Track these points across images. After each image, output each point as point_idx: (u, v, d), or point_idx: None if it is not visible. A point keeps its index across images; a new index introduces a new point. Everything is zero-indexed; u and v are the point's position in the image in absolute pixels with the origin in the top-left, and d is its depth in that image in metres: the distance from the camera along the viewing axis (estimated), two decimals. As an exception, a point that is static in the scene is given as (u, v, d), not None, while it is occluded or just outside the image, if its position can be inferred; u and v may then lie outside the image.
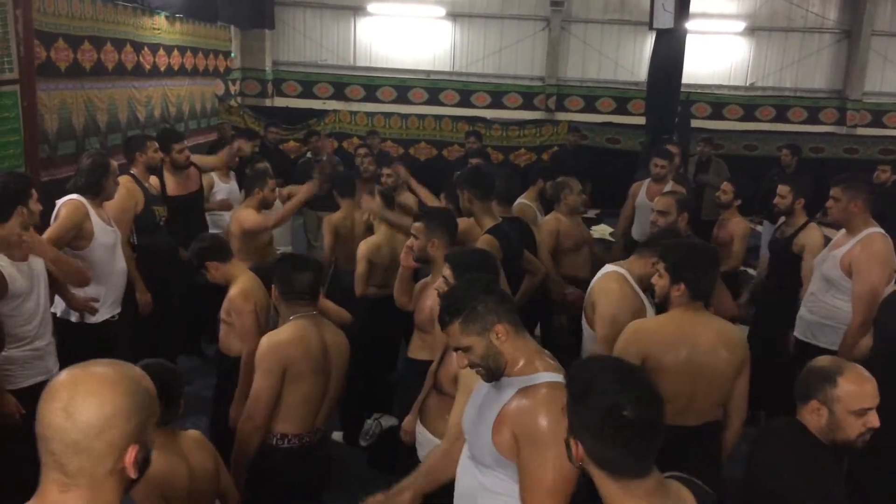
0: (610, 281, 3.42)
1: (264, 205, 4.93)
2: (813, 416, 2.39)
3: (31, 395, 3.31)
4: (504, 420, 2.15)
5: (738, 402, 3.00)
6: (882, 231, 3.95)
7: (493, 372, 2.19)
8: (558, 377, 2.15)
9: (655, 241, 3.50)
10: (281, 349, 2.93)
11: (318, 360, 3.02)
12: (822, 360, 2.49)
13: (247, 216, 4.89)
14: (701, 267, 2.90)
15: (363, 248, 4.62)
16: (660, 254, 3.11)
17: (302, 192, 5.24)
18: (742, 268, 5.69)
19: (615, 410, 1.57)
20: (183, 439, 2.69)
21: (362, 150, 7.03)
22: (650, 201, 5.99)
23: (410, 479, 2.56)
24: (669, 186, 5.98)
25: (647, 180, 6.18)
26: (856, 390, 2.34)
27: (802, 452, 2.39)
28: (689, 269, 2.89)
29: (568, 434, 1.70)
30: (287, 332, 2.99)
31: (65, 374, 1.45)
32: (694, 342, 2.87)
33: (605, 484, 1.65)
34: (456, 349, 2.24)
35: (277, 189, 5.23)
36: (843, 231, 4.09)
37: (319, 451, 3.15)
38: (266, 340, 2.99)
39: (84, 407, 1.39)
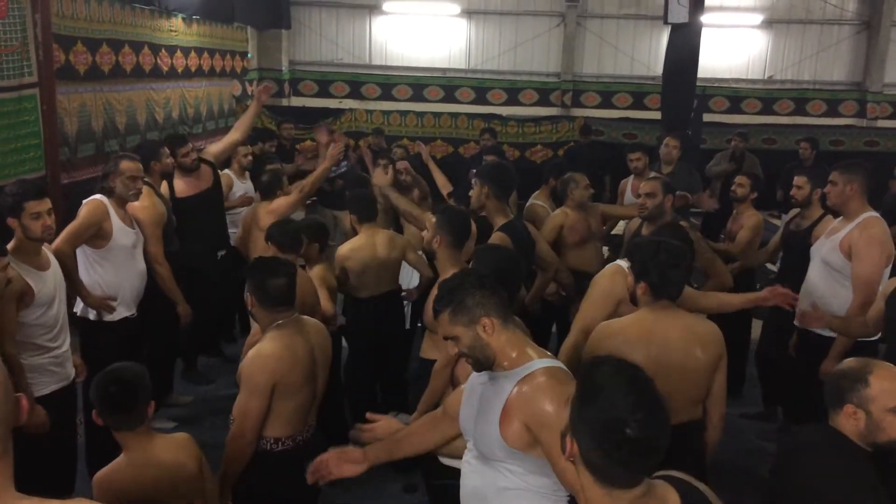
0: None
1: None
2: (850, 421, 2.30)
3: (52, 402, 3.40)
4: (510, 412, 2.18)
5: (716, 398, 2.97)
6: (878, 215, 4.00)
7: (481, 362, 2.24)
8: (553, 362, 2.23)
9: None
10: (269, 366, 2.85)
11: (307, 367, 2.96)
12: (849, 362, 2.40)
13: (278, 204, 4.97)
14: (663, 266, 2.82)
15: (339, 252, 4.60)
16: (628, 252, 3.09)
17: (326, 160, 5.29)
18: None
19: (619, 425, 1.52)
20: (157, 443, 2.63)
21: (399, 150, 7.27)
22: (636, 196, 6.02)
23: (373, 446, 2.65)
24: None
25: (631, 177, 6.21)
26: (890, 387, 2.27)
27: (850, 463, 2.30)
28: (651, 269, 2.84)
29: (566, 428, 1.65)
30: (273, 346, 2.89)
31: None
32: (661, 340, 2.83)
33: (589, 486, 1.62)
34: (446, 338, 2.30)
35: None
36: (840, 217, 4.11)
37: (314, 446, 3.06)
38: (253, 356, 2.89)
39: None
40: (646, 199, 4.43)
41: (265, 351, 2.88)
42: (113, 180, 4.15)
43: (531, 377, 2.17)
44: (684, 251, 2.95)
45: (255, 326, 3.47)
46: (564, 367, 2.25)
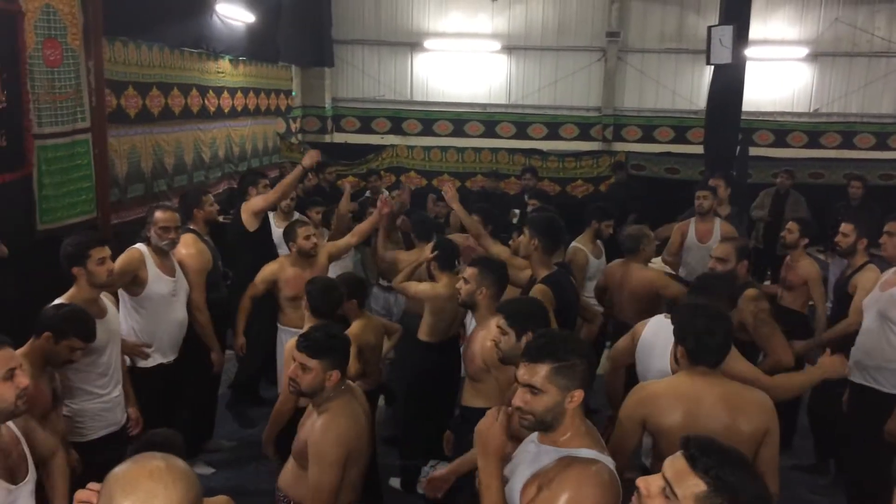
0: None
1: (302, 254, 4.88)
2: None
3: (100, 447, 3.44)
4: (535, 480, 2.16)
5: (765, 477, 2.64)
6: None
7: (542, 425, 2.19)
8: (600, 455, 2.17)
9: (707, 285, 3.48)
10: (342, 438, 2.87)
11: (368, 432, 3.07)
12: None
13: (333, 244, 5.22)
14: (701, 331, 2.71)
15: (431, 291, 4.64)
16: (669, 311, 3.03)
17: (375, 215, 5.33)
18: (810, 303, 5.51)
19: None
20: None
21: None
22: (700, 241, 5.91)
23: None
24: (717, 225, 5.88)
25: (693, 219, 6.07)
26: None
27: None
28: (688, 333, 2.73)
29: None
30: (344, 418, 2.92)
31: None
32: (694, 406, 2.70)
33: None
34: (525, 385, 2.18)
35: (319, 232, 5.35)
36: (894, 269, 3.98)
37: None
38: (326, 432, 2.86)
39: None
40: (717, 262, 4.27)
41: (336, 425, 2.89)
42: (149, 230, 4.28)
43: (574, 460, 2.14)
44: (724, 317, 2.83)
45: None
46: (612, 470, 2.15)
